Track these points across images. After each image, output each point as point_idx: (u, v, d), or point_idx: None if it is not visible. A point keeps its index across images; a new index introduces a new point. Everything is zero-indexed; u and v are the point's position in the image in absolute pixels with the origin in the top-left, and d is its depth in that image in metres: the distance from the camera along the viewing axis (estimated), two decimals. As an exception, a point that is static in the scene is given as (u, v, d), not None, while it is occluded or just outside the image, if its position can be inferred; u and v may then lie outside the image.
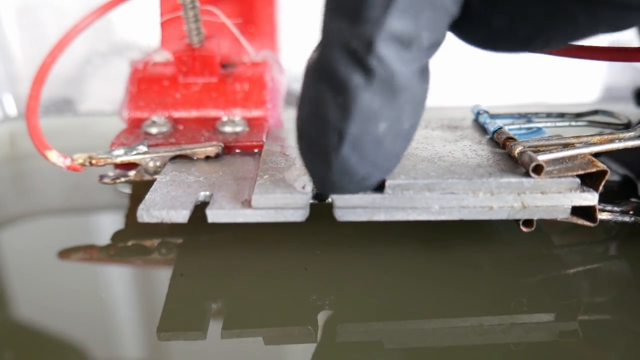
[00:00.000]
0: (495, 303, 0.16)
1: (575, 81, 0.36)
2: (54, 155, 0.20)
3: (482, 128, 0.21)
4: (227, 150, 0.20)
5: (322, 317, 0.16)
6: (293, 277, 0.18)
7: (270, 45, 0.25)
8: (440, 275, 0.18)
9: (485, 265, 0.18)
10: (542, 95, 0.36)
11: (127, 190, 0.22)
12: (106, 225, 0.22)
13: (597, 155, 0.18)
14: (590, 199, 0.17)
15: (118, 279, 0.19)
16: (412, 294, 0.17)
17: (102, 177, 0.21)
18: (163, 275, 0.18)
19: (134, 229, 0.20)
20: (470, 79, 0.35)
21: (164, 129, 0.21)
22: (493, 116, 0.21)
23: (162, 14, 0.26)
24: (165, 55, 0.24)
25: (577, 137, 0.18)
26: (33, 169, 0.26)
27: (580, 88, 0.37)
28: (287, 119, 0.24)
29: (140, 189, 0.22)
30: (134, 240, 0.20)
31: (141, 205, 0.17)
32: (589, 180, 0.17)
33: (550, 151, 0.18)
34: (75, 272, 0.19)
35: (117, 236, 0.20)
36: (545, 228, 0.20)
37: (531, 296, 0.17)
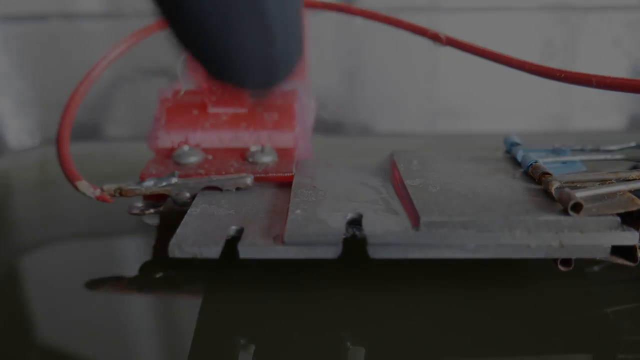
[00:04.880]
0: (532, 342, 0.16)
1: (602, 108, 0.36)
2: (84, 186, 0.20)
3: (515, 160, 0.21)
4: (257, 181, 0.20)
5: (354, 356, 0.16)
6: (324, 312, 0.17)
7: (299, 74, 0.25)
8: (475, 314, 0.17)
9: (521, 303, 0.18)
10: (568, 121, 0.36)
11: (154, 221, 0.22)
12: (134, 255, 0.22)
13: (635, 191, 0.18)
14: (631, 238, 0.16)
15: (146, 313, 0.18)
16: (445, 332, 0.16)
17: (130, 207, 0.21)
18: (191, 310, 0.18)
19: (162, 260, 0.20)
20: (495, 105, 0.34)
21: (193, 159, 0.21)
22: (526, 149, 0.21)
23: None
24: (194, 84, 0.24)
25: (615, 172, 0.18)
26: (62, 195, 0.26)
27: (607, 115, 0.36)
28: (316, 148, 0.24)
29: (168, 219, 0.22)
30: (162, 272, 0.20)
31: (173, 240, 0.17)
32: (628, 219, 0.17)
33: (587, 187, 0.17)
34: (103, 303, 0.19)
35: (145, 267, 0.20)
36: (582, 264, 0.19)
37: (569, 336, 0.16)
